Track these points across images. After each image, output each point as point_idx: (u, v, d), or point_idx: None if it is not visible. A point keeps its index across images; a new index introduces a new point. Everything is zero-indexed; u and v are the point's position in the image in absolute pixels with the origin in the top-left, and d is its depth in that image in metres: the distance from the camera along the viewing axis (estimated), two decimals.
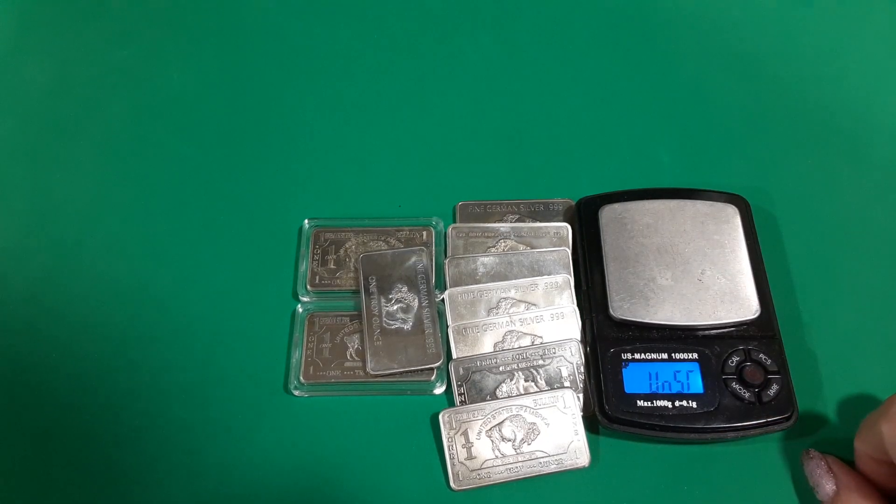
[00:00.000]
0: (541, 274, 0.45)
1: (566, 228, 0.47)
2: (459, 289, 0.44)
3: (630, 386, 0.40)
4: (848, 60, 0.55)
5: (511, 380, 0.42)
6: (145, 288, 0.46)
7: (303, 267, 0.46)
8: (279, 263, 0.47)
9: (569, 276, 0.45)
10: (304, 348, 0.43)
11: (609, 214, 0.45)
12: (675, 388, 0.40)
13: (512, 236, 0.47)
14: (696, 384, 0.40)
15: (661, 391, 0.40)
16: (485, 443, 0.40)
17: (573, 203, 0.48)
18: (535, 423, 0.40)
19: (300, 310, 0.45)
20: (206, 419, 0.42)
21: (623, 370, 0.40)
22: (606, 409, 0.39)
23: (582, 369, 0.42)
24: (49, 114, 0.53)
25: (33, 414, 0.42)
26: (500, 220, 0.47)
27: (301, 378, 0.42)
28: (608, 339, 0.41)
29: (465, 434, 0.40)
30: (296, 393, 0.42)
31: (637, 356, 0.41)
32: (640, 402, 0.39)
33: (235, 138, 0.52)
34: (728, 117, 0.52)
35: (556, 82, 0.54)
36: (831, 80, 0.54)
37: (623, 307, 0.42)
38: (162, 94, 0.54)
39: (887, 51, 0.55)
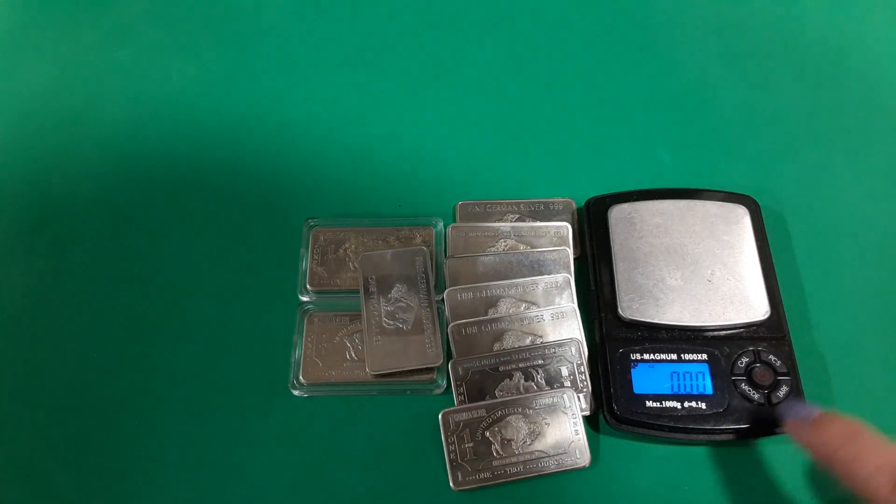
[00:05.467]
0: (541, 274, 0.45)
1: (566, 228, 0.47)
2: (459, 288, 0.44)
3: (639, 386, 0.40)
4: (855, 60, 0.55)
5: (511, 379, 0.42)
6: (146, 288, 0.46)
7: (302, 267, 0.46)
8: (279, 263, 0.47)
9: (569, 276, 0.44)
10: (304, 348, 0.43)
11: (618, 214, 0.45)
12: (685, 389, 0.40)
13: (512, 236, 0.47)
14: (706, 385, 0.40)
15: (670, 392, 0.40)
16: (485, 443, 0.40)
17: (573, 203, 0.48)
18: (535, 424, 0.40)
19: (300, 310, 0.45)
20: (207, 419, 0.42)
21: (632, 370, 0.40)
22: (615, 410, 0.39)
23: (583, 369, 0.42)
24: (49, 114, 0.53)
25: (35, 414, 0.42)
26: (500, 220, 0.47)
27: (301, 378, 0.42)
28: (617, 339, 0.41)
29: (466, 434, 0.40)
30: (296, 393, 0.42)
31: (646, 357, 0.41)
32: (649, 403, 0.39)
33: (235, 138, 0.52)
34: (736, 117, 0.52)
35: (557, 82, 0.54)
36: (840, 80, 0.54)
37: (632, 307, 0.42)
38: (162, 93, 0.54)
39: (888, 50, 0.55)
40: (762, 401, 0.39)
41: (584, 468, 0.39)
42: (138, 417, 0.42)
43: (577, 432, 0.40)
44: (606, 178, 0.49)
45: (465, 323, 0.43)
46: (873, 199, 0.49)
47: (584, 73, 0.55)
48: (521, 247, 0.46)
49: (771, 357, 0.40)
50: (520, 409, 0.40)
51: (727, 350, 0.41)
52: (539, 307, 0.44)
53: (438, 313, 0.44)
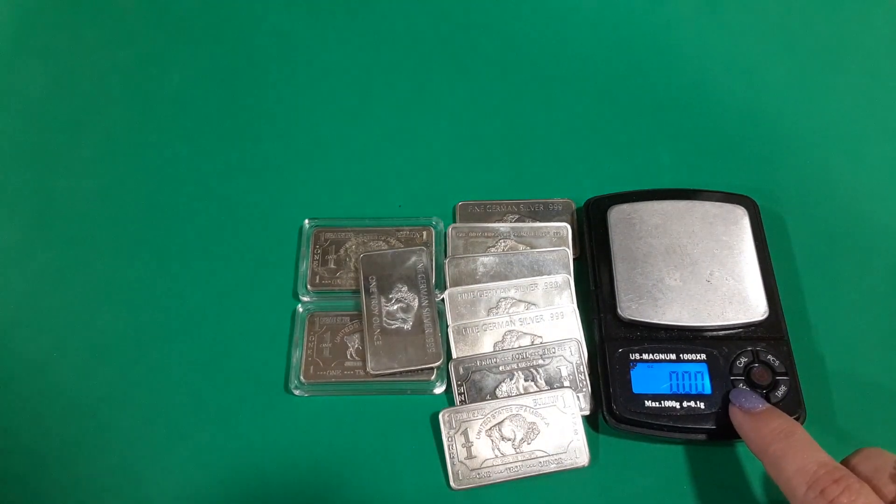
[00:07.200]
0: (541, 274, 0.45)
1: (566, 228, 0.47)
2: (459, 289, 0.44)
3: (638, 386, 0.40)
4: (855, 59, 0.55)
5: (511, 379, 0.42)
6: (145, 288, 0.46)
7: (303, 267, 0.46)
8: (279, 263, 0.47)
9: (569, 276, 0.45)
10: (305, 348, 0.43)
11: (618, 215, 0.45)
12: (684, 389, 0.40)
13: (512, 236, 0.47)
14: (705, 385, 0.40)
15: (669, 392, 0.40)
16: (485, 442, 0.40)
17: (573, 203, 0.48)
18: (534, 423, 0.40)
19: (300, 310, 0.45)
20: (207, 419, 0.42)
21: (631, 371, 0.40)
22: (614, 409, 0.40)
23: (582, 369, 0.42)
24: (49, 114, 0.53)
25: (32, 413, 0.43)
26: (500, 220, 0.47)
27: (301, 378, 0.43)
28: (616, 339, 0.41)
29: (465, 434, 0.40)
30: (296, 393, 0.42)
31: (645, 357, 0.41)
32: (648, 403, 0.40)
33: (235, 138, 0.52)
34: (736, 117, 0.52)
35: (557, 82, 0.54)
36: (839, 80, 0.54)
37: (631, 307, 0.42)
38: (162, 94, 0.54)
39: (888, 50, 0.55)
40: None
41: (583, 468, 0.39)
42: (138, 417, 0.42)
43: (576, 432, 0.40)
44: (606, 178, 0.49)
45: (465, 323, 0.43)
46: (872, 199, 0.49)
47: (583, 73, 0.55)
48: (521, 247, 0.46)
49: (769, 357, 0.40)
50: (520, 409, 0.41)
51: (726, 350, 0.41)
52: (539, 307, 0.44)
53: (438, 313, 0.44)
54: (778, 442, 0.34)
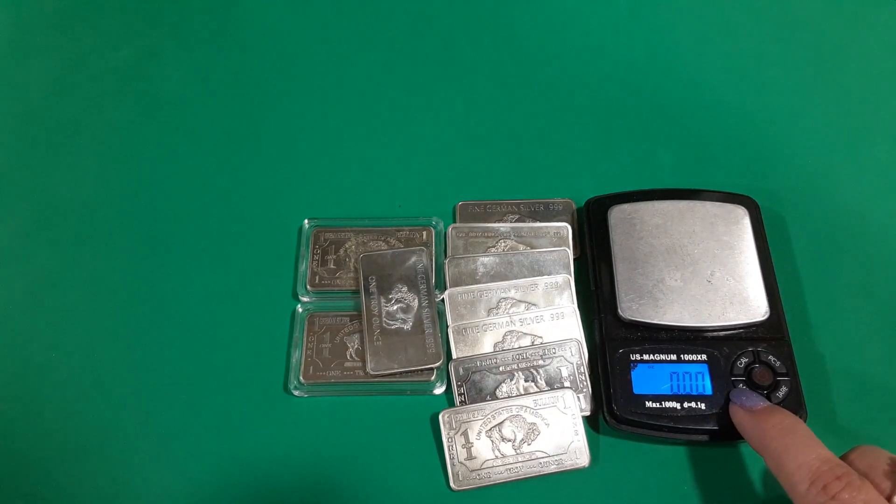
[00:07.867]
0: (541, 274, 0.45)
1: (566, 228, 0.47)
2: (459, 289, 0.44)
3: (638, 387, 0.40)
4: (855, 59, 0.55)
5: (511, 380, 0.42)
6: (145, 288, 0.46)
7: (303, 267, 0.46)
8: (279, 263, 0.47)
9: (569, 276, 0.45)
10: (304, 348, 0.43)
11: (618, 215, 0.45)
12: (684, 390, 0.40)
13: (512, 236, 0.47)
14: (705, 386, 0.40)
15: (669, 392, 0.40)
16: (485, 443, 0.40)
17: (573, 203, 0.48)
18: (535, 424, 0.40)
19: (300, 310, 0.45)
20: (206, 419, 0.42)
21: (632, 371, 0.40)
22: (615, 410, 0.39)
23: (582, 369, 0.42)
24: (49, 114, 0.53)
25: (30, 413, 0.42)
26: (500, 220, 0.47)
27: (301, 378, 0.42)
28: (617, 339, 0.41)
29: (465, 434, 0.40)
30: (296, 393, 0.42)
31: (646, 357, 0.41)
32: (649, 404, 0.39)
33: (235, 138, 0.52)
34: (736, 117, 0.52)
35: (557, 82, 0.54)
36: (839, 80, 0.54)
37: (632, 308, 0.42)
38: (161, 94, 0.54)
39: (888, 50, 0.55)
40: None
41: (583, 468, 0.39)
42: (137, 417, 0.42)
43: (576, 433, 0.40)
44: (606, 178, 0.49)
45: (465, 323, 0.43)
46: (873, 199, 0.49)
47: (583, 72, 0.55)
48: (521, 247, 0.46)
49: (770, 357, 0.40)
50: (520, 410, 0.40)
51: (727, 350, 0.41)
52: (539, 308, 0.44)
53: (438, 313, 0.44)
54: (779, 438, 0.34)
